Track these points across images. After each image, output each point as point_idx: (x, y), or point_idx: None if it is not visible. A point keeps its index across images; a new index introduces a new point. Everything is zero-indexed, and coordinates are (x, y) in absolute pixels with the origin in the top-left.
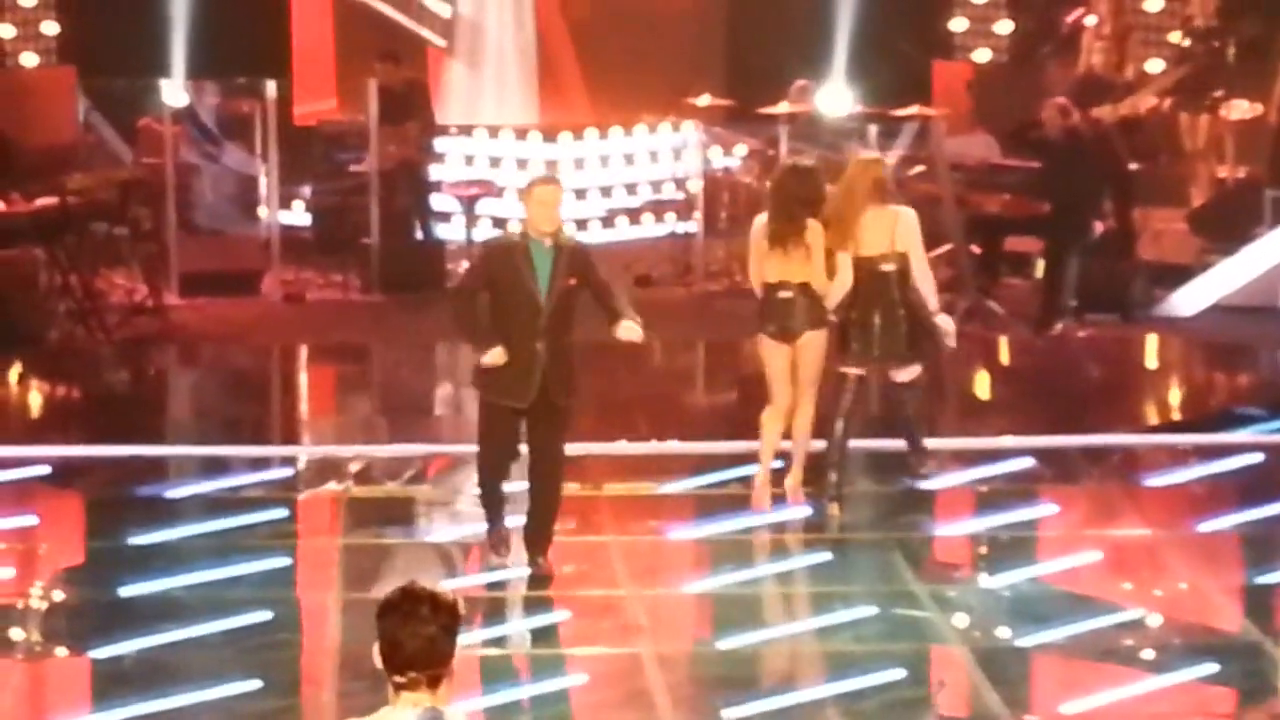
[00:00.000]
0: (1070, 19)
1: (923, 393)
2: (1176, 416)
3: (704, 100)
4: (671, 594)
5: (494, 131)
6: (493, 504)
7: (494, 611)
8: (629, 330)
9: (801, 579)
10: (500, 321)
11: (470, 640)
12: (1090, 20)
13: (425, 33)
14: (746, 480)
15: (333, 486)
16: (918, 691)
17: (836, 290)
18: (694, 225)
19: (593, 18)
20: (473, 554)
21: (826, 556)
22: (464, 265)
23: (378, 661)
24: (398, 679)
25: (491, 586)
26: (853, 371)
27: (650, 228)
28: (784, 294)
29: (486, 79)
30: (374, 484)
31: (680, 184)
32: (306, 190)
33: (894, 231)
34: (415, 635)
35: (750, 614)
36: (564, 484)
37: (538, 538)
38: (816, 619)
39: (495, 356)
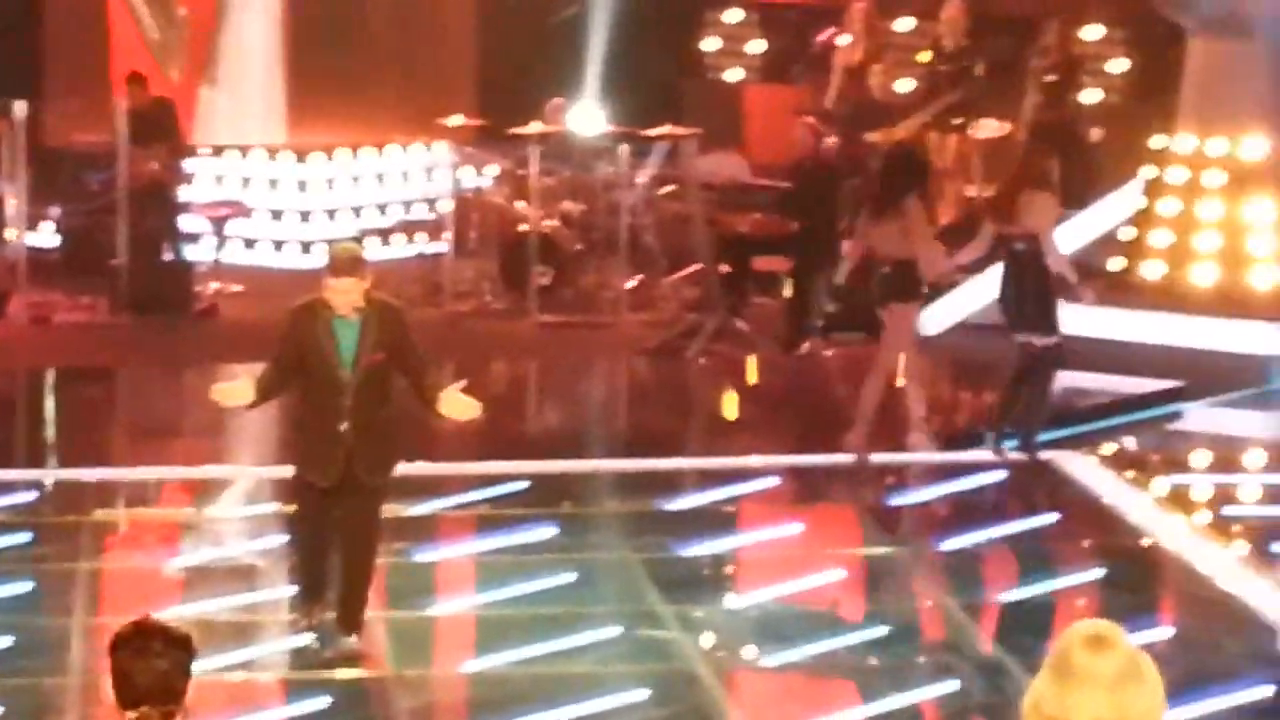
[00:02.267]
0: (821, 39)
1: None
2: None
3: (455, 120)
4: (416, 616)
5: (245, 151)
6: (305, 581)
7: (239, 635)
8: (463, 405)
9: (547, 600)
10: (306, 396)
11: (216, 664)
12: (842, 40)
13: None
14: (496, 500)
15: (79, 510)
16: (661, 712)
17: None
18: (444, 245)
19: (344, 37)
20: (220, 577)
21: (572, 577)
22: None
23: (109, 696)
24: (130, 714)
25: (239, 610)
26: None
27: (401, 248)
28: (883, 269)
29: (237, 99)
30: (121, 507)
31: (431, 204)
32: (56, 211)
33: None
34: (147, 670)
35: (495, 636)
36: (375, 562)
37: (346, 616)
38: (561, 640)
39: (224, 394)
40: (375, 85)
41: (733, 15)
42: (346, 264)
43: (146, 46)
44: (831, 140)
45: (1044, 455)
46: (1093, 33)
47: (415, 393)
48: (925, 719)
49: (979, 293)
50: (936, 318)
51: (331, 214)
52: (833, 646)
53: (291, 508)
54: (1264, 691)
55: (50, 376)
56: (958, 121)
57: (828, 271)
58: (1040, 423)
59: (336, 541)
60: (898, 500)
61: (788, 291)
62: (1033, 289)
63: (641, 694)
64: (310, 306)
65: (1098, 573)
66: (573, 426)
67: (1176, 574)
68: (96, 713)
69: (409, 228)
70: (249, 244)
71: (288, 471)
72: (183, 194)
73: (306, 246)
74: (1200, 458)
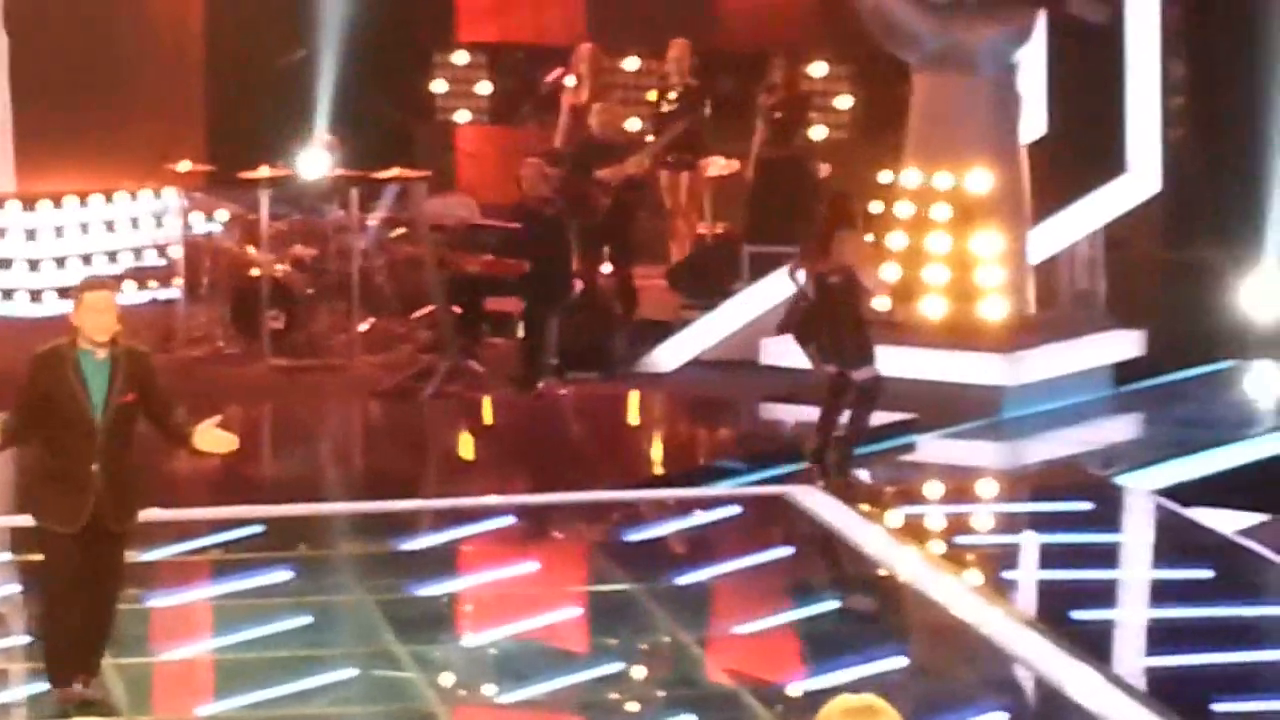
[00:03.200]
0: (549, 79)
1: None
2: (658, 471)
3: (184, 166)
4: (150, 662)
5: None
6: (53, 630)
7: None
8: (219, 439)
9: (283, 642)
10: (52, 441)
11: None
12: (569, 80)
13: None
14: (231, 545)
15: None
16: None
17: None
18: (175, 291)
19: (71, 85)
20: None
21: (308, 619)
22: None
23: None
24: None
25: None
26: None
27: (132, 294)
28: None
29: None
30: None
31: (161, 250)
32: None
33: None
34: None
35: (230, 679)
36: (116, 609)
37: (84, 663)
38: (297, 682)
39: None
40: (104, 132)
41: (460, 57)
42: (98, 280)
43: None
44: (561, 180)
45: (784, 488)
46: (819, 70)
47: (165, 433)
48: None
49: (712, 330)
50: (672, 355)
51: (61, 262)
52: (569, 683)
53: (38, 558)
54: (998, 718)
55: None
56: (687, 159)
57: (560, 310)
58: (852, 449)
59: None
60: (633, 536)
61: (521, 331)
62: (848, 322)
63: None
64: (57, 350)
65: (833, 604)
66: (308, 470)
67: (911, 604)
68: None
69: (140, 274)
70: None
71: (24, 520)
72: None
73: (36, 295)
74: (933, 489)
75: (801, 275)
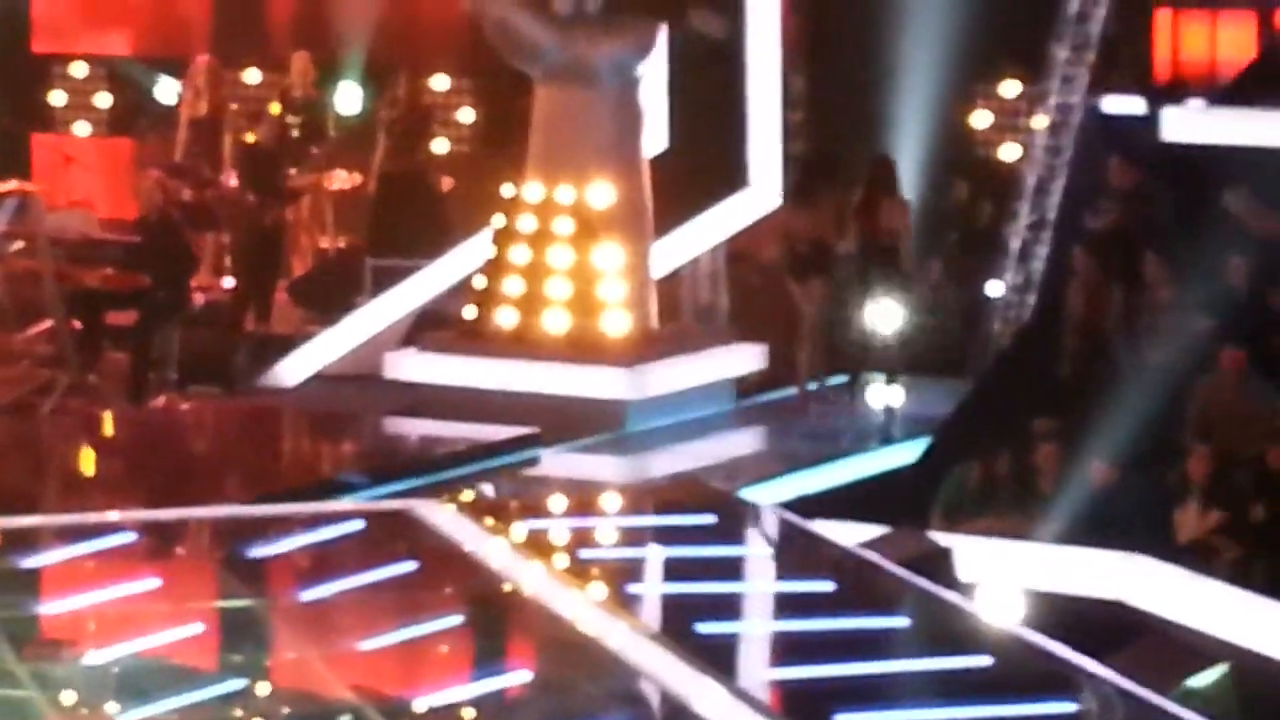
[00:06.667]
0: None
1: None
2: (281, 486)
3: None
4: None
5: None
6: None
7: None
8: None
9: None
10: None
11: None
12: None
13: None
14: None
15: None
16: None
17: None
18: None
19: None
20: None
21: None
22: None
23: None
24: None
25: None
26: None
27: None
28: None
29: None
30: None
31: None
32: None
33: None
34: None
35: None
36: None
37: None
38: None
39: None
40: None
41: (79, 69)
42: None
43: None
44: (183, 193)
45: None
46: (440, 83)
47: None
48: None
49: (335, 344)
50: (294, 370)
51: None
52: (193, 700)
53: None
54: None
55: None
56: (313, 171)
57: (180, 324)
58: None
59: None
60: (256, 552)
61: (131, 345)
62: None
63: None
64: None
65: (457, 620)
66: None
67: (536, 618)
68: None
69: None
70: None
71: None
72: None
73: None
74: (557, 503)
75: None
